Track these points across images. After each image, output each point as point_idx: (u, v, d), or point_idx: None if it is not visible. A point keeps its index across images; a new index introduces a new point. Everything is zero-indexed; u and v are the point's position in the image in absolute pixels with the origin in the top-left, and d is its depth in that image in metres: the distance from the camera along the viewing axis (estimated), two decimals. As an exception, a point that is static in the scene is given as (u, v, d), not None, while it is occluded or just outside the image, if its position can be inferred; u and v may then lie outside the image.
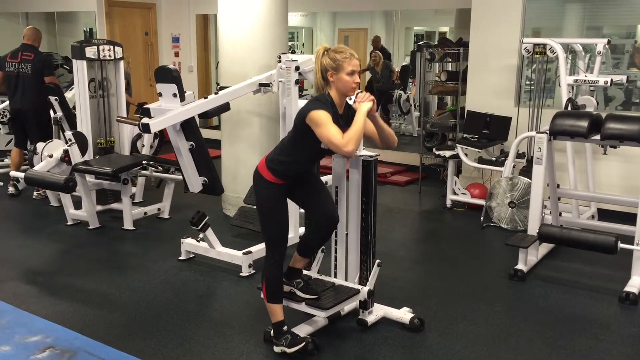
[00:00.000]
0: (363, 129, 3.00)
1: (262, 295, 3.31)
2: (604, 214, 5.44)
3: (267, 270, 3.28)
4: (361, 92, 3.10)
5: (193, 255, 4.69)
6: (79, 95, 5.70)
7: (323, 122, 2.94)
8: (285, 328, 3.28)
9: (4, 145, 7.49)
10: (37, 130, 6.38)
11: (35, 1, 9.71)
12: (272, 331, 3.31)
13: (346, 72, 3.04)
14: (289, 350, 3.23)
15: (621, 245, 3.92)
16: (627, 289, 4.00)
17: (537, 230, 4.25)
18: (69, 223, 5.55)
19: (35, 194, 6.42)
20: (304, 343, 3.24)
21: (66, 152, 5.47)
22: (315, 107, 2.99)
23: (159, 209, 5.78)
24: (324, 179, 4.63)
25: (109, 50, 5.75)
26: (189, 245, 4.64)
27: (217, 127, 6.40)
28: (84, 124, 5.70)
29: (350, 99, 3.15)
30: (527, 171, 5.32)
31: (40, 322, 3.65)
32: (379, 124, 3.21)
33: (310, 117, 2.98)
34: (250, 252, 4.41)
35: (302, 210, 3.46)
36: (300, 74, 4.53)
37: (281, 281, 3.32)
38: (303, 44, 12.57)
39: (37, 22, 10.04)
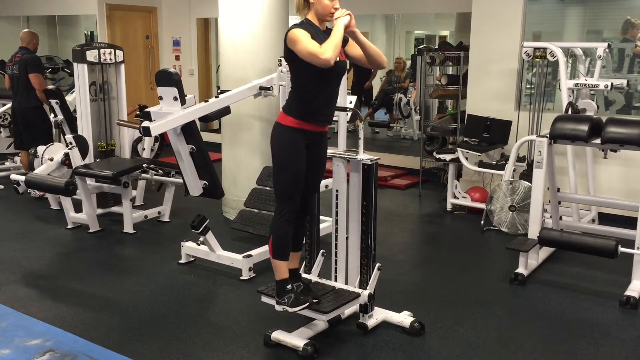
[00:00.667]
0: (341, 39, 2.98)
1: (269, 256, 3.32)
2: (604, 218, 5.43)
3: (275, 226, 3.23)
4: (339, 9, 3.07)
5: (193, 259, 4.69)
6: (79, 98, 5.71)
7: (300, 38, 2.95)
8: (289, 287, 3.23)
9: (4, 149, 7.50)
10: (26, 132, 6.44)
11: (37, 5, 9.73)
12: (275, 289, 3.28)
13: None
14: (290, 310, 3.19)
15: (621, 249, 3.91)
16: (628, 293, 3.99)
17: (538, 234, 4.25)
18: (69, 226, 5.55)
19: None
20: (306, 303, 3.20)
21: (67, 155, 5.47)
22: (292, 27, 3.01)
23: (159, 213, 5.78)
24: (325, 182, 4.66)
25: (110, 53, 5.77)
26: (189, 248, 4.64)
27: (218, 131, 6.40)
28: (85, 128, 5.71)
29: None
30: (527, 175, 5.31)
31: (40, 325, 3.64)
32: (361, 40, 3.13)
33: (289, 37, 2.99)
34: (250, 256, 4.40)
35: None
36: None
37: (289, 238, 3.26)
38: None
39: (38, 25, 10.06)
